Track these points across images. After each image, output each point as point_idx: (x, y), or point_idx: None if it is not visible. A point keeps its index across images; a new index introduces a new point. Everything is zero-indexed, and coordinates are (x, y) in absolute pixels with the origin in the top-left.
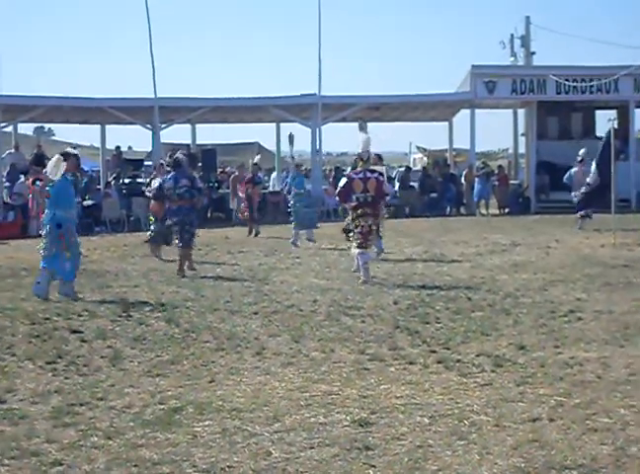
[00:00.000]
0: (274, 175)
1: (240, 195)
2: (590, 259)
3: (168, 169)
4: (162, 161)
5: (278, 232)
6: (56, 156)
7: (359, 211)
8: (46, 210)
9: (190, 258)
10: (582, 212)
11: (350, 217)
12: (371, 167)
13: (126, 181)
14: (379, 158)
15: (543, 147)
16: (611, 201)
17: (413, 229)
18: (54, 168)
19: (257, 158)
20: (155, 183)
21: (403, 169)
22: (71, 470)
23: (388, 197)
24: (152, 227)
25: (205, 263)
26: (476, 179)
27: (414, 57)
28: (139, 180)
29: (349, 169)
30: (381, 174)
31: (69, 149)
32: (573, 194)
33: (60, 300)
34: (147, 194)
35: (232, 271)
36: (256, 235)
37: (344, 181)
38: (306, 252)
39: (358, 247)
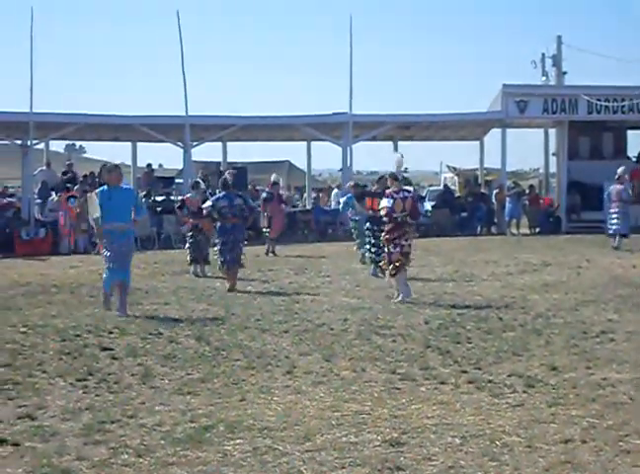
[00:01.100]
0: (334, 192)
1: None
2: (621, 279)
3: (203, 187)
4: (197, 179)
5: (307, 251)
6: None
7: (398, 232)
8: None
9: (236, 276)
10: (622, 232)
11: (383, 239)
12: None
13: (158, 198)
14: (395, 179)
15: (574, 167)
16: None
17: (443, 248)
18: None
19: (274, 177)
20: (208, 202)
21: (438, 188)
22: None
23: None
24: (190, 247)
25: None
26: (507, 198)
27: (445, 76)
28: (171, 197)
29: (371, 186)
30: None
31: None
32: (612, 211)
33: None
34: (203, 210)
35: (263, 289)
36: (271, 253)
37: (390, 200)
38: (336, 271)
39: (398, 268)
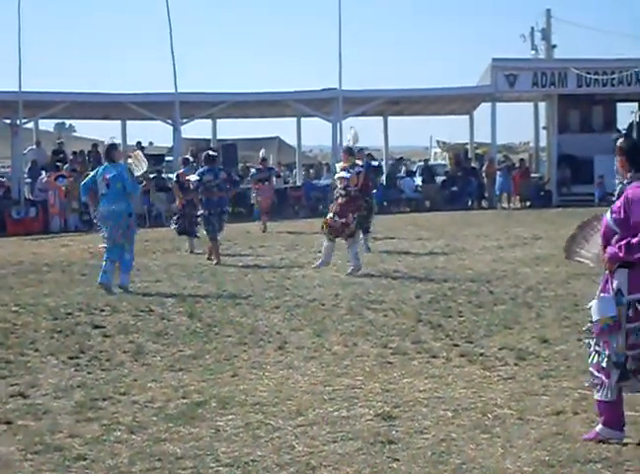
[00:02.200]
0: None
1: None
2: None
3: (192, 161)
4: (187, 156)
5: (298, 227)
6: (137, 151)
7: (350, 205)
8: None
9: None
10: None
11: (332, 207)
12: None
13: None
14: (350, 153)
15: (564, 140)
16: None
17: (434, 223)
18: (139, 162)
19: (262, 153)
20: (194, 176)
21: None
22: (94, 465)
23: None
24: (176, 222)
25: (227, 256)
26: (498, 172)
27: (435, 51)
28: (161, 175)
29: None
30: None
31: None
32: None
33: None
34: (190, 184)
35: (254, 265)
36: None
37: (347, 173)
38: None
39: (351, 236)
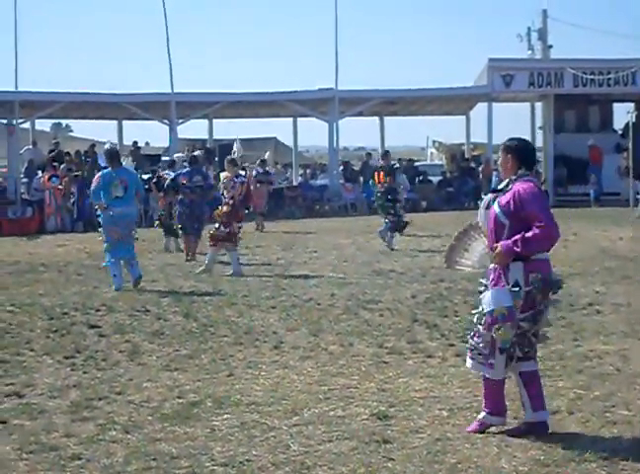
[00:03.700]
0: None
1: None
2: (608, 252)
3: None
4: (175, 158)
5: (295, 227)
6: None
7: (233, 215)
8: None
9: (195, 247)
10: None
11: (215, 215)
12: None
13: (144, 176)
14: (234, 164)
15: (561, 140)
16: (630, 194)
17: (430, 223)
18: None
19: (267, 155)
20: (170, 175)
21: (425, 163)
22: (90, 464)
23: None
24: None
25: (223, 255)
26: (494, 172)
27: (431, 51)
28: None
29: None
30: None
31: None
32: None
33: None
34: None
35: (250, 265)
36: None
37: (231, 183)
38: (324, 246)
39: (235, 245)
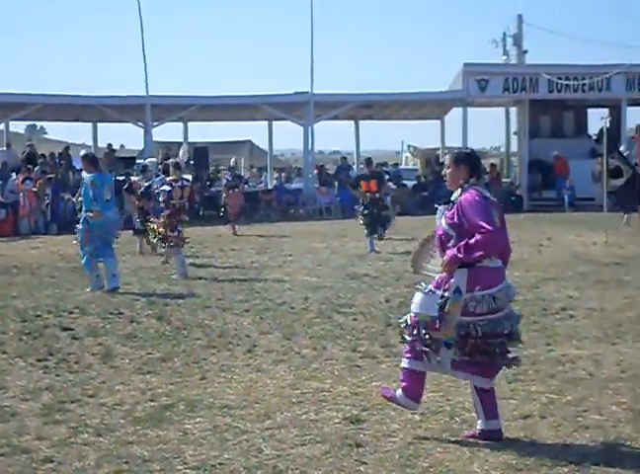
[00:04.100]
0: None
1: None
2: (582, 257)
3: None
4: (148, 162)
5: (270, 230)
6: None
7: (176, 217)
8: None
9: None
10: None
11: (160, 223)
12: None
13: (119, 179)
14: (177, 168)
15: (535, 145)
16: (604, 199)
17: (405, 227)
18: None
19: (232, 161)
20: (144, 184)
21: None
22: (62, 467)
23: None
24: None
25: (197, 258)
26: None
27: (407, 56)
28: (132, 178)
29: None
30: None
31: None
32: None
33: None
34: (138, 191)
35: (224, 268)
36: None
37: (168, 187)
38: (298, 250)
39: (176, 246)
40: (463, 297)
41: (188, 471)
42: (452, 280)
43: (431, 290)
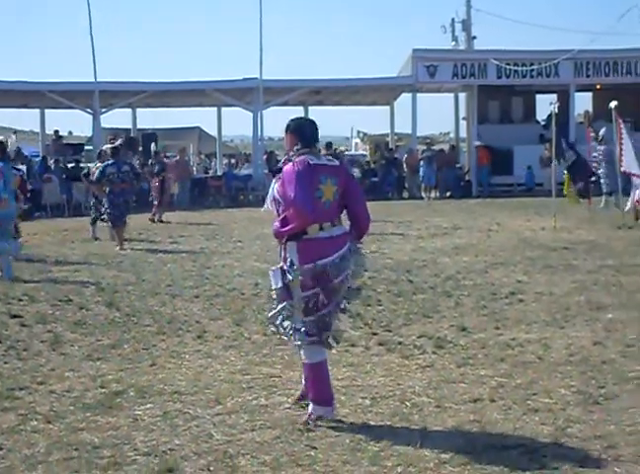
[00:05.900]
0: None
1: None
2: (530, 241)
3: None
4: (104, 149)
5: (219, 216)
6: None
7: None
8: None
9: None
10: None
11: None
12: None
13: (68, 165)
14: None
15: (484, 131)
16: (552, 184)
17: None
18: None
19: (152, 147)
20: (97, 168)
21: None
22: (11, 454)
23: None
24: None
25: (144, 244)
26: (421, 162)
27: (356, 41)
28: (80, 164)
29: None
30: None
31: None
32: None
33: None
34: (91, 178)
35: (173, 254)
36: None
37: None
38: (248, 236)
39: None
40: (297, 270)
41: (138, 457)
42: (286, 254)
43: (278, 267)
